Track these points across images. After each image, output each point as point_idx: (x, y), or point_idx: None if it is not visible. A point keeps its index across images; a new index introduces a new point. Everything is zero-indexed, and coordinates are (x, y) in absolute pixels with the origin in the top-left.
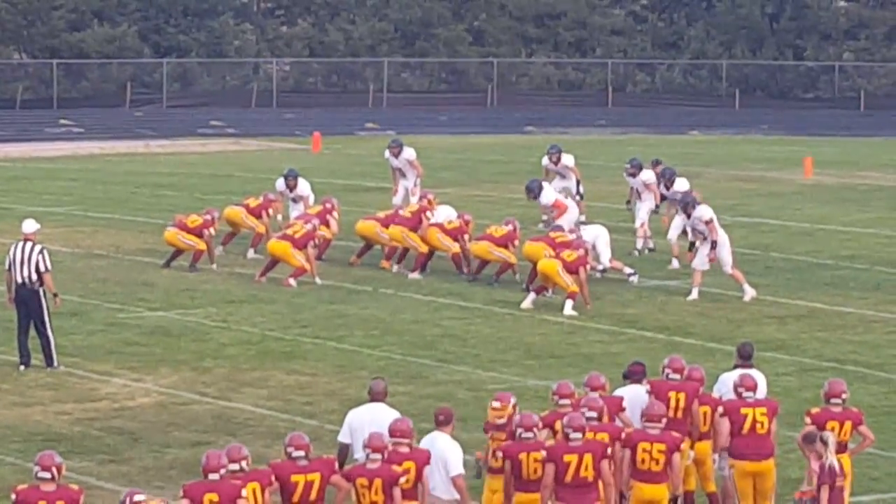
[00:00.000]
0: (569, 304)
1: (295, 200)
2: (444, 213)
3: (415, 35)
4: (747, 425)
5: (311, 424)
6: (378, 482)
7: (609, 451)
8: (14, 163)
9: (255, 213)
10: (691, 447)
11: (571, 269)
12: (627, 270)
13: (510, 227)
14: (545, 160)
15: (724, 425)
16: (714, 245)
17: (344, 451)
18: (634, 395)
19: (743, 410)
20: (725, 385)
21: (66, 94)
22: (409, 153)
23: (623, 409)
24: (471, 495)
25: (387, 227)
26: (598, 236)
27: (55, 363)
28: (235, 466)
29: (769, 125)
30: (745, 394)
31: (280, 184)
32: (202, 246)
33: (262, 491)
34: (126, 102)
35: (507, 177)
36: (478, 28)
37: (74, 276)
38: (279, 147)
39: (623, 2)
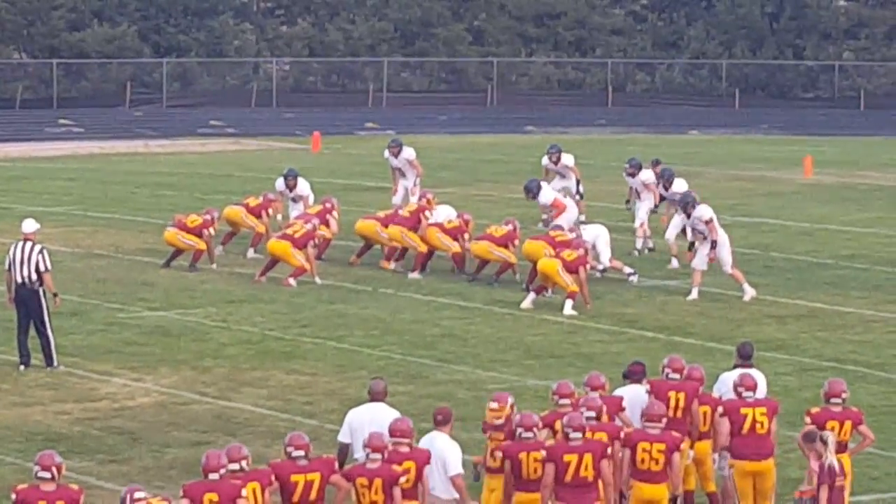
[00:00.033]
0: (569, 303)
1: (295, 200)
2: (444, 213)
3: (414, 35)
4: (747, 425)
5: (310, 424)
6: (378, 482)
7: (609, 450)
8: (14, 162)
9: (255, 212)
10: (691, 447)
11: (571, 268)
12: (627, 270)
13: (510, 226)
14: (545, 160)
15: (724, 425)
16: (714, 245)
17: (344, 451)
18: (634, 395)
19: (743, 410)
20: (725, 385)
21: (65, 94)
22: (408, 153)
23: (623, 409)
24: (470, 495)
25: (386, 226)
26: (598, 236)
27: (55, 363)
28: (235, 466)
29: (769, 125)
30: (745, 393)
31: (280, 183)
32: (202, 246)
33: (263, 491)
34: (126, 102)
35: (506, 176)
36: (478, 28)
37: (74, 275)
38: (279, 147)
39: (623, 1)
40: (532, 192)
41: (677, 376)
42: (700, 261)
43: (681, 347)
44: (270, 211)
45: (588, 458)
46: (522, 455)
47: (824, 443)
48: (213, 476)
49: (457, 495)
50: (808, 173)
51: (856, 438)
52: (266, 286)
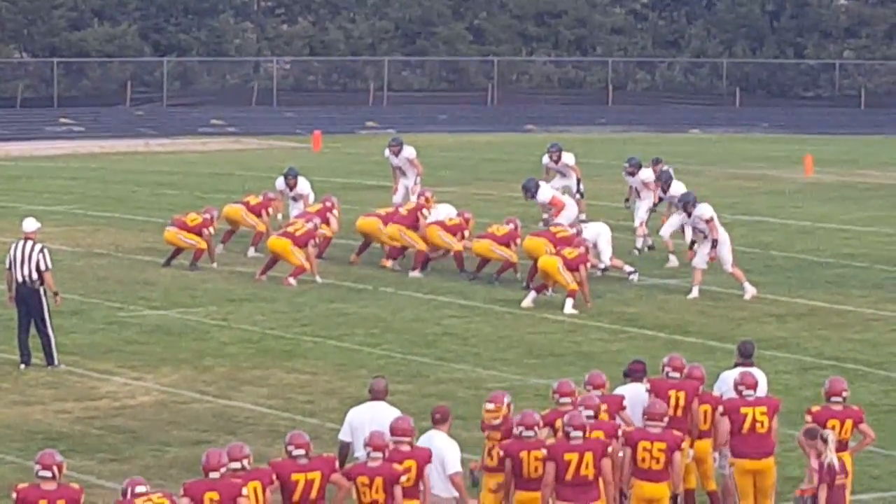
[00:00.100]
0: (569, 302)
1: (295, 199)
2: (445, 212)
3: (415, 33)
4: (747, 425)
5: (311, 423)
6: (379, 481)
7: (609, 449)
8: (14, 161)
9: (255, 211)
10: (691, 445)
11: (572, 266)
12: (627, 269)
13: (511, 225)
14: (545, 158)
15: (724, 424)
16: (714, 244)
17: (344, 450)
18: (635, 394)
19: (743, 410)
20: (726, 383)
21: (66, 93)
22: (409, 152)
23: (624, 408)
24: (469, 495)
25: (386, 224)
26: (599, 234)
27: (56, 362)
28: (237, 465)
29: (769, 123)
30: (746, 392)
31: (280, 182)
32: (202, 245)
33: (263, 490)
34: (126, 101)
35: (507, 175)
36: (478, 26)
37: (75, 274)
38: (280, 146)
39: (623, 0)
40: (530, 191)
41: (677, 375)
42: (700, 259)
43: (681, 346)
44: (270, 210)
45: (589, 456)
46: (523, 454)
47: (824, 441)
48: (214, 475)
49: (456, 494)
50: (808, 172)
51: (856, 437)
52: (266, 285)
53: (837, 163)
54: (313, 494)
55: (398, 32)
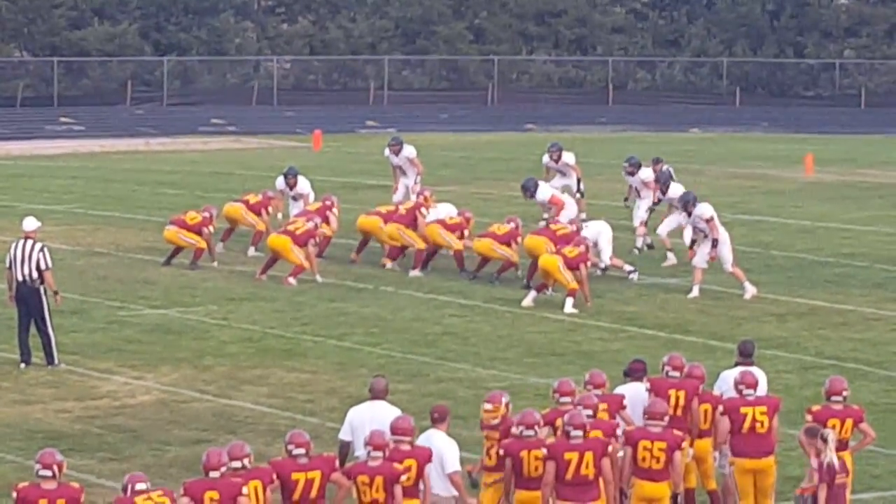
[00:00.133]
0: (569, 301)
1: (295, 198)
2: (445, 211)
3: (415, 33)
4: (747, 424)
5: (311, 422)
6: (379, 480)
7: (609, 448)
8: (15, 160)
9: (255, 209)
10: (690, 445)
11: (572, 264)
12: (627, 268)
13: (513, 224)
14: (546, 158)
15: (724, 424)
16: (715, 243)
17: (345, 449)
18: (635, 393)
19: (743, 409)
20: (726, 383)
21: (66, 92)
22: (409, 151)
23: (624, 407)
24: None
25: (387, 224)
26: (600, 233)
27: (56, 361)
28: (238, 464)
29: (770, 123)
30: (746, 391)
31: (280, 182)
32: (202, 245)
33: (264, 489)
34: (127, 100)
35: (507, 175)
36: (478, 26)
37: (75, 273)
38: (280, 145)
39: None
40: (529, 190)
41: (677, 374)
42: (701, 259)
43: (681, 345)
44: (270, 209)
45: (589, 456)
46: (523, 453)
47: (824, 440)
48: (214, 474)
49: (456, 493)
50: (808, 171)
51: (857, 436)
52: (267, 284)
53: (838, 162)
54: (313, 494)
55: (398, 32)
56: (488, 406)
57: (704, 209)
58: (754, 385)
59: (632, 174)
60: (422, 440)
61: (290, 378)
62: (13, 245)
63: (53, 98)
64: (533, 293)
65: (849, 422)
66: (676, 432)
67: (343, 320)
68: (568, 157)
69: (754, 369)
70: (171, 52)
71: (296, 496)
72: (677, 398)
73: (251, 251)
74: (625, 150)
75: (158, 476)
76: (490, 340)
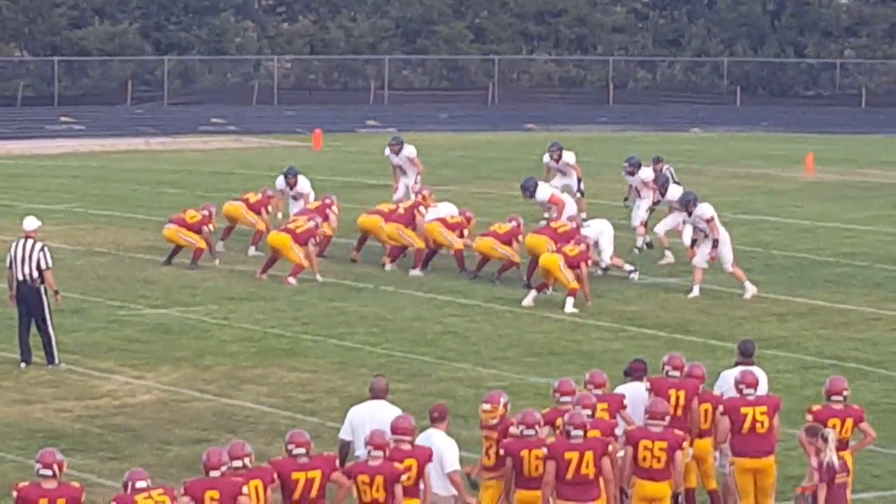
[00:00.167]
0: (569, 301)
1: (295, 198)
2: (446, 210)
3: (416, 32)
4: (747, 424)
5: (311, 422)
6: (379, 479)
7: (609, 448)
8: (15, 160)
9: (255, 208)
10: (690, 444)
11: (573, 263)
12: (628, 267)
13: (514, 223)
14: (546, 157)
15: (724, 423)
16: (715, 243)
17: (345, 449)
18: (635, 393)
19: (743, 409)
20: (727, 382)
21: (67, 92)
22: (409, 150)
23: (624, 407)
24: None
25: (387, 223)
26: (602, 232)
27: (56, 360)
28: (238, 463)
29: (770, 122)
30: (746, 391)
31: (280, 181)
32: (202, 244)
33: (264, 488)
34: (127, 100)
35: (507, 174)
36: (479, 25)
37: (75, 273)
38: (280, 144)
39: None
40: (529, 190)
41: (678, 374)
42: (701, 259)
43: (681, 345)
44: (270, 208)
45: (589, 455)
46: (524, 452)
47: (825, 440)
48: (215, 473)
49: (455, 492)
50: (809, 171)
51: (857, 436)
52: (267, 284)
53: (838, 162)
54: (314, 493)
55: (399, 31)
56: (486, 406)
57: (705, 209)
58: (755, 385)
59: (632, 174)
60: (421, 439)
61: (291, 377)
62: (13, 244)
63: (54, 97)
64: (533, 293)
65: (849, 421)
66: (677, 432)
67: (343, 320)
68: (568, 157)
69: (755, 369)
70: (172, 52)
71: (296, 496)
72: (677, 398)
73: (251, 250)
74: (625, 149)
75: (159, 475)
76: (490, 340)
